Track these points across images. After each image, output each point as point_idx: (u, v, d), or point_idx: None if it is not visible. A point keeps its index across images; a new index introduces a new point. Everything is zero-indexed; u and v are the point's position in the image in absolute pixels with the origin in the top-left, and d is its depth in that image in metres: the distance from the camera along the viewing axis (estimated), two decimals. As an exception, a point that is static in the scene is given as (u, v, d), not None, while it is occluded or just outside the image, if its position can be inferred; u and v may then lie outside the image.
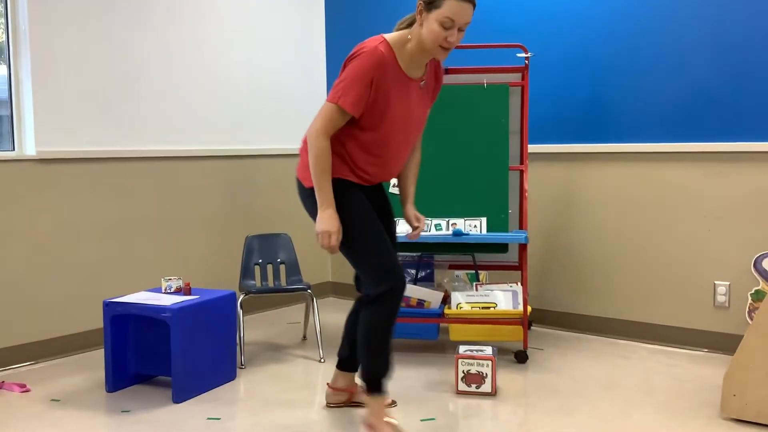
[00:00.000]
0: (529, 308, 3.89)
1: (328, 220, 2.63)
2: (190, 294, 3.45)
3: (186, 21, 4.43)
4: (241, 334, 3.76)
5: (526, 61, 3.95)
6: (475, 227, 3.82)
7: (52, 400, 3.26)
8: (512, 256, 4.08)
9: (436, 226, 3.84)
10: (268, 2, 4.91)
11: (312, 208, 2.76)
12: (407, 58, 2.67)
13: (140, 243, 4.23)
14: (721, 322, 3.87)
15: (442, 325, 3.92)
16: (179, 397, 3.22)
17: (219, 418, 3.03)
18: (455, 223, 3.82)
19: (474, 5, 2.59)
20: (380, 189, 2.97)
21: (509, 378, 3.49)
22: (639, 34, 4.01)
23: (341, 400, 3.13)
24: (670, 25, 3.92)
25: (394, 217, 3.03)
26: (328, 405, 3.14)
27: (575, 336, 4.23)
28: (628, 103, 4.07)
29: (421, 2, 2.58)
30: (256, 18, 4.84)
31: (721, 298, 3.87)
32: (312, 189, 2.71)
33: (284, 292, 3.93)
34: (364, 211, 2.72)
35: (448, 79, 4.00)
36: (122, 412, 3.11)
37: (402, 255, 4.13)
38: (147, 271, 4.26)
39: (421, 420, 2.96)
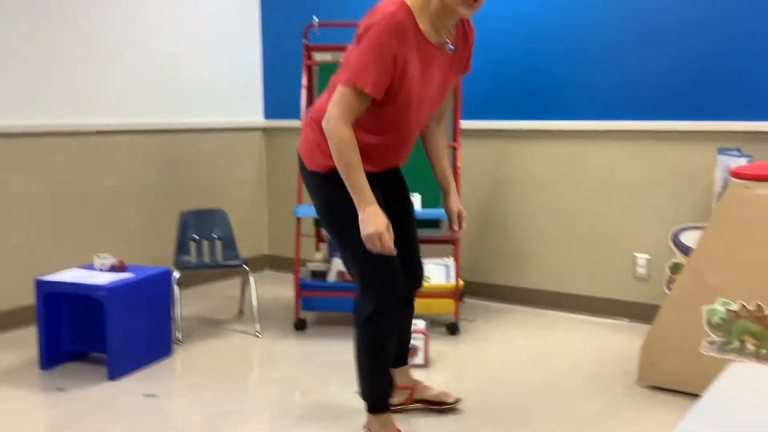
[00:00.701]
0: (461, 282, 4.01)
1: (372, 218, 2.25)
2: (124, 271, 3.45)
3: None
4: (177, 310, 3.77)
5: (460, 40, 4.01)
6: (409, 203, 3.90)
7: (-16, 379, 3.24)
8: (445, 231, 4.19)
9: (371, 202, 3.90)
10: (201, -27, 4.84)
11: (315, 192, 2.49)
12: (430, 21, 2.31)
13: (71, 219, 4.17)
14: (641, 293, 4.07)
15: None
16: (115, 374, 3.23)
17: (155, 395, 3.06)
18: (390, 199, 3.89)
19: None
20: (394, 170, 2.65)
21: (441, 350, 3.61)
22: (571, 14, 4.12)
23: (402, 401, 2.85)
24: (601, 7, 4.04)
25: (409, 201, 2.71)
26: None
27: (506, 307, 4.38)
28: (557, 81, 4.19)
29: None
30: (189, -11, 4.77)
31: (641, 270, 4.07)
32: (314, 173, 2.46)
33: (221, 268, 3.95)
34: None
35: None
36: (57, 389, 3.11)
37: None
38: (79, 248, 4.21)
39: (353, 392, 3.05)
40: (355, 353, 2.53)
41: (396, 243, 2.47)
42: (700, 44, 3.78)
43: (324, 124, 2.27)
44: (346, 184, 2.27)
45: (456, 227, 2.69)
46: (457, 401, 2.86)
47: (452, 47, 2.40)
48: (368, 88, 2.21)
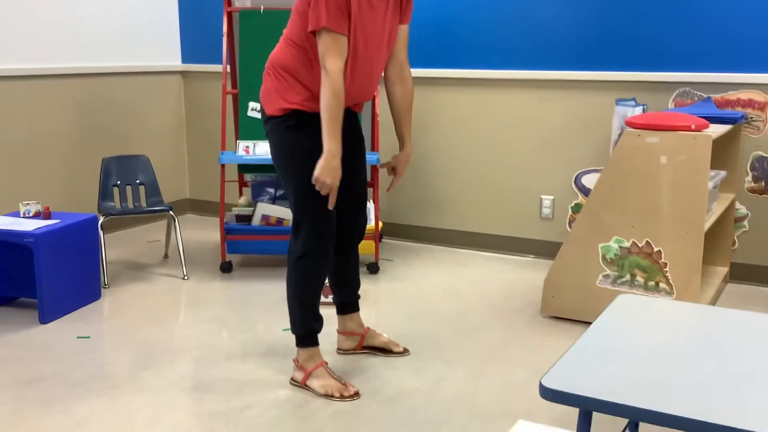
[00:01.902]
0: (380, 223, 4.22)
1: (333, 170, 2.41)
2: (50, 218, 3.50)
3: (27, -68, 4.23)
4: (103, 255, 3.85)
5: (377, -10, 4.13)
6: (329, 149, 4.05)
7: None
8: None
9: (293, 148, 4.03)
10: None
11: (271, 134, 2.60)
12: None
13: (-10, 165, 4.15)
14: (546, 231, 4.39)
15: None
16: (46, 318, 3.32)
17: (89, 337, 3.18)
18: (311, 145, 4.03)
19: None
20: (352, 117, 2.72)
21: (363, 288, 3.78)
22: (481, -34, 4.29)
23: (353, 346, 3.01)
24: (508, -40, 4.22)
25: (363, 151, 2.81)
26: (339, 351, 3.02)
27: (422, 247, 4.63)
28: (467, 32, 4.38)
29: None
30: (103, -70, 4.68)
31: (546, 211, 4.37)
32: (271, 117, 2.57)
33: (146, 213, 4.03)
34: (312, 152, 2.48)
35: (285, 2, 4.11)
36: (-12, 335, 3.19)
37: (261, 175, 4.31)
38: (1, 196, 4.19)
39: (283, 330, 3.24)
40: (287, 289, 2.68)
41: (347, 190, 2.68)
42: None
43: (323, 76, 2.39)
44: (325, 131, 2.39)
45: (393, 172, 2.82)
46: (404, 351, 3.02)
47: None
48: (339, 28, 2.37)
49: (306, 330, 2.71)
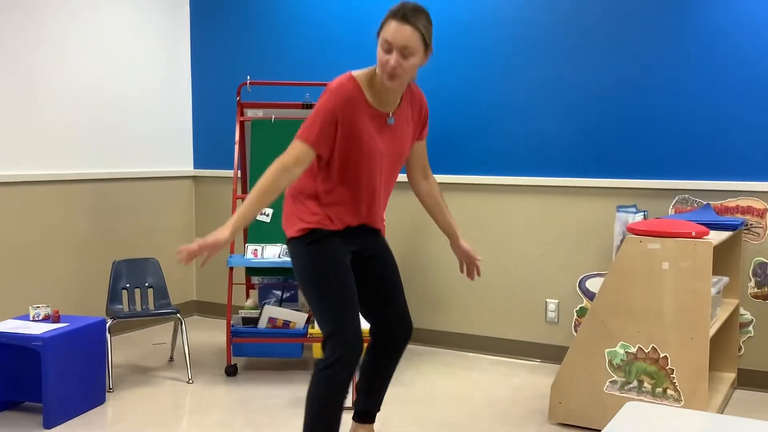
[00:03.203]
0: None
1: (214, 234, 2.40)
2: (59, 321, 3.53)
3: (49, 45, 4.44)
4: (110, 359, 3.85)
5: (384, 100, 4.30)
6: (336, 253, 4.11)
7: None
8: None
9: (300, 251, 4.09)
10: (134, 29, 4.98)
11: (292, 256, 2.70)
12: (376, 92, 2.61)
13: (3, 271, 4.21)
14: (552, 335, 4.39)
15: (306, 343, 4.19)
16: (50, 423, 3.30)
17: (92, 442, 3.15)
18: (318, 249, 4.09)
19: (413, 27, 2.48)
20: (372, 233, 2.82)
21: (368, 392, 3.80)
22: (484, 78, 4.47)
23: None
24: (514, 73, 4.40)
25: (391, 263, 2.86)
26: None
27: (427, 350, 4.62)
28: (474, 140, 4.52)
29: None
30: (122, 44, 4.90)
31: (551, 314, 4.39)
32: (291, 239, 2.68)
33: (153, 316, 4.06)
34: (329, 263, 2.62)
35: (294, 113, 4.27)
36: (-8, 440, 3.17)
37: (268, 278, 4.36)
38: (12, 299, 4.23)
39: None
40: (309, 402, 2.62)
41: (377, 300, 2.81)
42: (601, 109, 4.19)
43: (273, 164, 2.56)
44: (240, 209, 2.47)
45: (469, 275, 2.94)
46: None
47: (392, 120, 2.66)
48: (310, 140, 2.54)
49: None
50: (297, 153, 2.54)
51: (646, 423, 1.93)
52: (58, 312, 3.55)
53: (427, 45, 2.55)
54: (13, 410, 3.51)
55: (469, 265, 2.97)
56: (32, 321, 3.53)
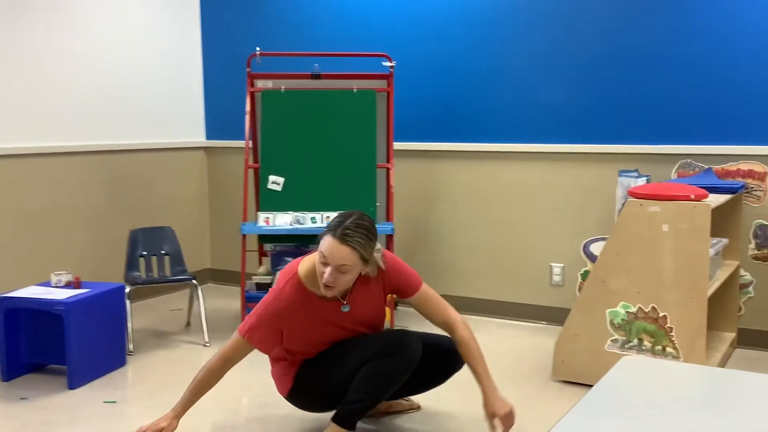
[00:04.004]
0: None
1: (159, 420, 2.74)
2: (80, 287, 3.67)
3: (65, 21, 4.54)
4: (129, 323, 3.99)
5: (391, 70, 4.38)
6: (346, 220, 4.23)
7: (-54, 392, 3.41)
8: (380, 244, 4.53)
9: (311, 218, 4.21)
10: (145, 1, 5.06)
11: (295, 403, 2.91)
12: (320, 286, 2.64)
13: (25, 240, 4.35)
14: (557, 298, 4.50)
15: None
16: (74, 384, 3.45)
17: (115, 401, 3.31)
18: (329, 216, 4.20)
19: (351, 248, 2.49)
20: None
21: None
22: (491, 46, 4.53)
23: (379, 410, 3.11)
24: (518, 41, 4.46)
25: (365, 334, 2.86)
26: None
27: (435, 314, 4.74)
28: (480, 107, 4.60)
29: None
30: (133, 16, 4.99)
31: (556, 278, 4.50)
32: (287, 394, 2.87)
33: (170, 282, 4.19)
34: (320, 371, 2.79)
35: (321, 83, 4.38)
36: (21, 399, 3.32)
37: (280, 245, 4.48)
38: (34, 267, 4.38)
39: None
40: (372, 379, 2.69)
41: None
42: (603, 75, 4.25)
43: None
44: (185, 392, 2.77)
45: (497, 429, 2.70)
46: (418, 407, 3.20)
47: (347, 307, 2.72)
48: (253, 341, 2.70)
49: (361, 415, 2.77)
50: (238, 348, 2.71)
51: (640, 375, 2.04)
52: (79, 278, 3.69)
53: (366, 260, 2.59)
54: (39, 372, 3.67)
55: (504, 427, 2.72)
56: (54, 287, 3.67)
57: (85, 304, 3.51)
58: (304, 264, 2.71)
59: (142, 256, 4.32)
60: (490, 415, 2.70)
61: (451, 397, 3.32)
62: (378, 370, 2.67)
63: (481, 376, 2.76)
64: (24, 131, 4.35)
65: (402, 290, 2.83)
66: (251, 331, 2.69)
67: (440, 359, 2.96)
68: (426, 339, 2.91)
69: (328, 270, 2.54)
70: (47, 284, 3.73)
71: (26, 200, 4.36)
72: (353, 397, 2.69)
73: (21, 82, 4.32)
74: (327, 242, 2.54)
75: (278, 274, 2.80)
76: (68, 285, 3.69)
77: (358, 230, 2.54)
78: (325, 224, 4.14)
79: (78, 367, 3.47)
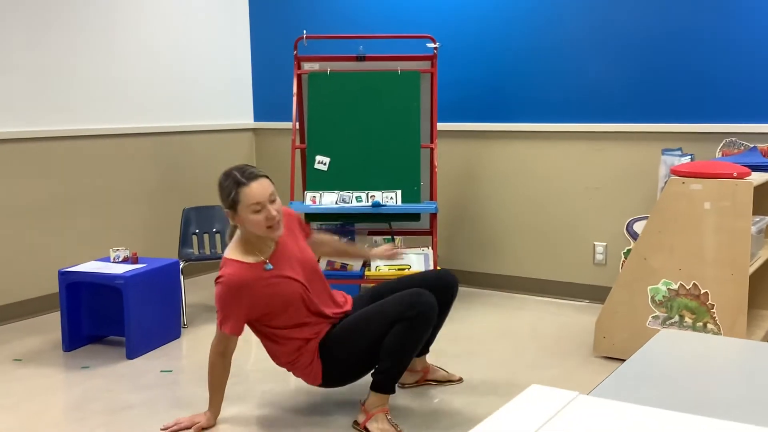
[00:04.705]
0: (438, 268, 4.44)
1: (202, 415, 2.87)
2: (137, 263, 3.84)
3: (120, 7, 4.71)
4: (183, 297, 4.16)
5: (435, 51, 4.45)
6: (391, 199, 4.32)
7: (15, 360, 3.62)
8: (424, 223, 4.62)
9: (356, 198, 4.32)
10: (195, -13, 5.22)
11: (330, 385, 2.97)
12: (252, 252, 2.77)
13: (84, 217, 4.55)
14: (599, 277, 4.54)
15: (363, 284, 4.44)
16: (132, 354, 3.63)
17: (171, 371, 3.47)
18: (374, 195, 4.30)
19: (264, 177, 2.69)
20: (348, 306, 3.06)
21: (421, 329, 4.04)
22: (535, 26, 4.57)
23: (415, 380, 3.26)
24: (562, 21, 4.49)
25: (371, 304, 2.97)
26: (401, 384, 3.22)
27: (478, 292, 4.83)
28: (523, 88, 4.64)
29: (226, 210, 2.74)
30: (183, 4, 5.14)
31: (599, 257, 4.54)
32: (322, 381, 2.91)
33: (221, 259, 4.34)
34: (348, 345, 2.85)
35: (366, 65, 4.46)
36: (82, 368, 3.51)
37: (326, 223, 4.60)
38: (94, 243, 4.59)
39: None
40: (401, 344, 2.77)
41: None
42: (647, 54, 4.25)
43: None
44: (209, 393, 2.90)
45: (391, 256, 3.18)
46: (460, 379, 3.31)
47: (270, 266, 2.78)
48: (230, 331, 2.76)
49: (398, 379, 2.87)
50: (224, 342, 2.81)
51: (678, 348, 2.09)
52: (136, 254, 3.87)
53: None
54: (99, 343, 3.86)
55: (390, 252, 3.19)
56: (113, 262, 3.85)
57: (143, 279, 3.68)
58: (232, 251, 2.80)
59: (194, 233, 4.48)
60: (382, 253, 3.17)
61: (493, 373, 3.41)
62: (402, 335, 2.75)
63: (347, 246, 3.26)
64: (85, 115, 4.54)
65: (304, 228, 3.05)
66: (223, 322, 2.76)
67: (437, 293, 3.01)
68: (422, 282, 3.00)
69: (264, 210, 2.67)
70: (106, 259, 3.91)
71: (85, 180, 4.55)
72: (384, 365, 2.80)
73: (88, 70, 4.50)
74: (248, 193, 2.65)
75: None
76: (126, 260, 3.87)
77: (250, 167, 2.75)
78: (369, 203, 4.25)
79: (136, 338, 3.64)
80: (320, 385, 2.93)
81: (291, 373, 2.94)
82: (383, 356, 2.80)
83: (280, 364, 2.93)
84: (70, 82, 4.47)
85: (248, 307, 2.75)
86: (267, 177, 2.73)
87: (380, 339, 2.78)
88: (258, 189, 2.66)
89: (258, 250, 2.78)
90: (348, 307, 3.04)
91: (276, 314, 2.80)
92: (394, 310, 2.78)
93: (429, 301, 2.79)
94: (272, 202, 2.69)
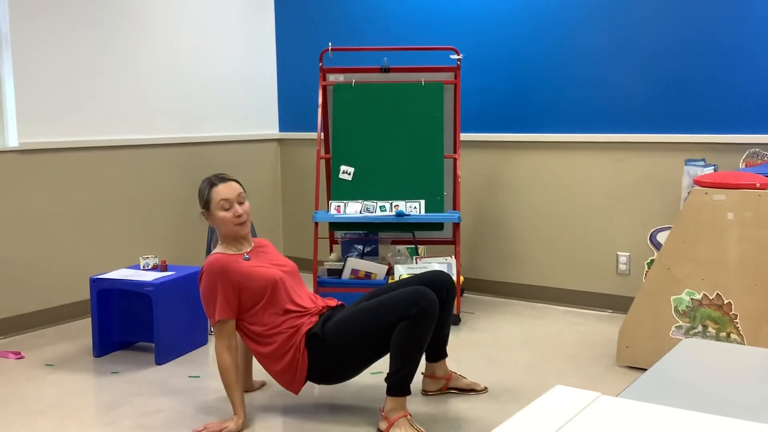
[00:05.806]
0: (461, 278, 4.48)
1: (231, 420, 2.93)
2: (166, 270, 3.92)
3: (149, 24, 4.81)
4: (210, 305, 4.23)
5: (458, 62, 4.50)
6: (414, 208, 4.37)
7: (46, 365, 3.70)
8: (447, 233, 4.67)
9: (380, 207, 4.37)
10: (222, 4, 5.32)
11: (322, 381, 3.07)
12: (236, 248, 3.07)
13: (116, 225, 4.65)
14: (622, 287, 4.55)
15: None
16: (161, 360, 3.70)
17: (198, 376, 3.54)
18: (397, 205, 4.36)
19: (233, 181, 3.05)
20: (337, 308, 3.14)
21: (445, 337, 4.08)
22: (557, 37, 4.60)
23: (438, 388, 3.27)
24: (584, 32, 4.52)
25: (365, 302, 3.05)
26: (424, 392, 3.27)
27: (500, 301, 4.86)
28: (545, 98, 4.68)
29: (201, 211, 3.09)
30: (211, 15, 5.25)
31: (622, 267, 4.55)
32: (312, 376, 3.00)
33: (247, 267, 4.41)
34: (343, 338, 2.91)
35: (390, 77, 4.52)
36: (112, 373, 3.58)
37: (350, 232, 4.66)
38: (123, 251, 4.68)
39: (371, 373, 3.52)
40: (408, 342, 2.83)
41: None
42: (671, 65, 4.27)
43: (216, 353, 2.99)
44: (228, 396, 2.98)
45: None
46: (485, 389, 3.32)
47: (248, 257, 3.05)
48: (222, 316, 2.91)
49: (410, 379, 2.90)
50: (223, 332, 2.94)
51: (701, 357, 2.11)
52: (165, 262, 3.94)
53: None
54: (128, 349, 3.94)
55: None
56: (143, 270, 3.93)
57: (172, 286, 3.76)
58: (218, 249, 3.08)
59: (220, 242, 4.55)
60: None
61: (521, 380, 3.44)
62: (407, 333, 2.81)
63: (243, 367, 3.28)
64: (116, 126, 4.64)
65: (288, 262, 3.21)
66: (212, 311, 2.93)
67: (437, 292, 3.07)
68: (417, 283, 3.06)
69: (232, 209, 3.01)
70: (136, 267, 4.00)
71: (115, 189, 4.65)
72: (395, 367, 2.85)
73: (119, 84, 4.61)
74: (217, 191, 3.02)
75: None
76: (155, 268, 3.94)
77: (224, 174, 3.14)
78: (393, 212, 4.30)
79: (164, 344, 3.71)
80: (303, 383, 2.98)
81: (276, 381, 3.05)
82: (391, 358, 2.86)
83: (267, 367, 3.01)
84: (104, 94, 4.57)
85: (232, 287, 2.91)
86: (238, 182, 3.10)
87: (381, 332, 2.84)
88: (226, 188, 3.04)
89: (236, 249, 3.07)
90: (332, 302, 3.16)
91: (257, 299, 2.92)
92: (399, 306, 2.84)
93: (431, 298, 2.85)
94: (240, 203, 3.03)
